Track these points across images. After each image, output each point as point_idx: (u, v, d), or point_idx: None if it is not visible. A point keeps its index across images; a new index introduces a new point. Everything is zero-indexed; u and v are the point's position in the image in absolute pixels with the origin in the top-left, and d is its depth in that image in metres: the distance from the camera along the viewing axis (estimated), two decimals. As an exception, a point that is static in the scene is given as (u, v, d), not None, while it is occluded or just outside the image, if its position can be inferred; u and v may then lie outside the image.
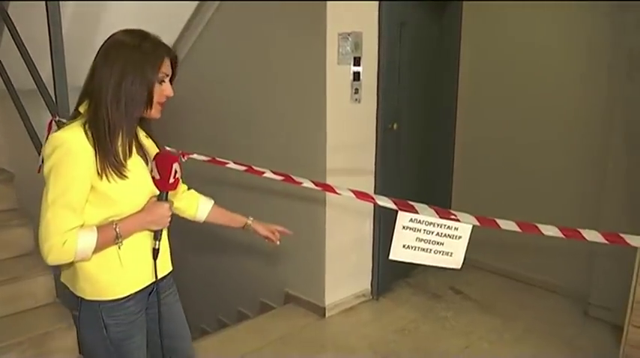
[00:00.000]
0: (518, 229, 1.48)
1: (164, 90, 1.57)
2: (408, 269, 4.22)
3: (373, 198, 1.67)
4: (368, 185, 3.63)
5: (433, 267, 1.55)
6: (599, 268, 3.50)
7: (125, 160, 1.53)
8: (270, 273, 3.95)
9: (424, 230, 1.49)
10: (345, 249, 3.66)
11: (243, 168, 1.97)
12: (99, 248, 1.50)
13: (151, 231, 1.63)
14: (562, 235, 1.44)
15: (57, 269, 2.96)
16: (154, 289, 1.73)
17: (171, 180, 1.59)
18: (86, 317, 1.62)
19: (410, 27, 3.76)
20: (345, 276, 3.71)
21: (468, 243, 1.50)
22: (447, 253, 1.51)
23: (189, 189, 1.97)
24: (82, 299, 1.60)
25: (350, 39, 3.30)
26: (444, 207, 1.54)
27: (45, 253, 1.45)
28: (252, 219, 2.01)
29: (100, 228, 1.50)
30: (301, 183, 1.82)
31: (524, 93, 3.97)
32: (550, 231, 1.45)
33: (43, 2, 2.67)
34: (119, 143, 1.52)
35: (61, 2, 2.71)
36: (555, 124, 3.81)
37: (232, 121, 4.07)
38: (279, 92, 3.64)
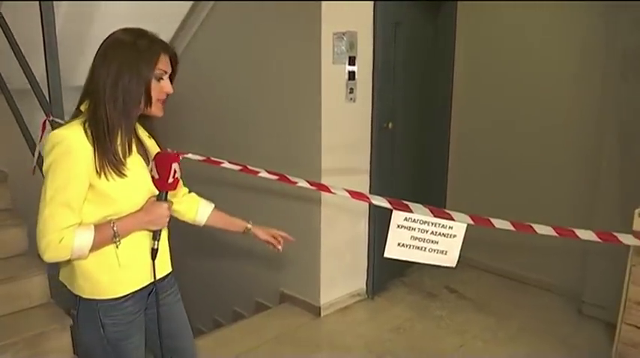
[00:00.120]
0: (512, 228, 1.49)
1: (163, 87, 1.56)
2: (403, 269, 4.23)
3: (368, 198, 1.67)
4: (363, 184, 3.64)
5: (428, 266, 1.55)
6: (593, 267, 3.52)
7: (124, 159, 1.53)
8: (265, 273, 3.95)
9: (419, 229, 1.50)
10: (340, 248, 3.66)
11: (238, 167, 1.97)
12: (96, 246, 1.50)
13: (150, 230, 1.62)
14: (556, 234, 1.45)
15: (51, 270, 2.97)
16: (154, 289, 1.72)
17: (170, 180, 1.58)
18: (84, 316, 1.62)
19: (405, 27, 3.77)
20: (340, 276, 3.72)
21: (463, 242, 1.51)
22: (441, 251, 1.51)
23: (190, 192, 1.97)
24: (80, 297, 1.60)
25: (345, 38, 3.30)
26: (438, 206, 1.54)
27: (42, 250, 1.45)
28: (252, 223, 2.00)
29: (98, 226, 1.50)
30: (296, 182, 1.82)
31: (519, 93, 3.98)
32: (544, 230, 1.46)
33: (37, 2, 2.66)
34: (118, 141, 1.52)
35: (54, 2, 2.70)
36: (550, 124, 3.83)
37: (227, 121, 4.07)
38: (274, 92, 3.64)
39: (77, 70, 3.95)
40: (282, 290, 3.85)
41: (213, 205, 1.98)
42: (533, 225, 1.47)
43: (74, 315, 1.65)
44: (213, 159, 1.96)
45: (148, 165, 1.62)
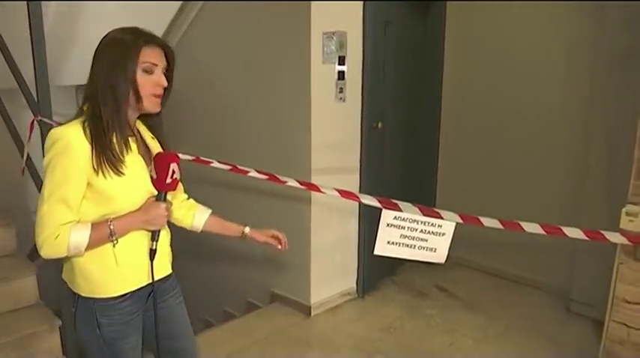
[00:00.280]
0: (500, 226, 1.50)
1: (155, 81, 1.56)
2: (394, 268, 4.24)
3: (358, 197, 1.68)
4: (353, 184, 3.65)
5: (418, 265, 1.56)
6: (581, 265, 3.55)
7: (122, 156, 1.53)
8: (255, 273, 3.95)
9: (408, 227, 1.51)
10: (331, 247, 3.67)
11: (228, 167, 1.97)
12: (92, 244, 1.51)
13: (148, 230, 1.62)
14: (544, 232, 1.47)
15: (40, 271, 2.95)
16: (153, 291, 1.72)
17: (168, 181, 1.57)
18: (81, 315, 1.63)
19: (394, 26, 3.78)
20: (330, 275, 3.72)
21: (453, 240, 1.52)
22: (430, 249, 1.53)
23: (188, 198, 1.96)
24: (79, 296, 1.61)
25: (334, 38, 3.31)
26: (428, 204, 1.56)
27: (39, 245, 1.48)
28: (249, 228, 1.99)
29: (95, 224, 1.51)
30: (286, 181, 1.83)
31: (508, 93, 4.00)
32: (532, 228, 1.47)
33: (25, 2, 2.65)
34: (115, 139, 1.52)
35: (42, 2, 2.69)
36: (538, 123, 3.85)
37: (217, 121, 4.06)
38: (263, 91, 3.64)
39: (65, 70, 3.94)
40: (272, 290, 3.85)
41: (210, 211, 1.98)
42: (521, 223, 1.48)
43: (73, 313, 1.66)
44: (202, 158, 1.96)
45: (149, 165, 1.62)
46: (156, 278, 1.68)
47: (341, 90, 3.45)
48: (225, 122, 3.98)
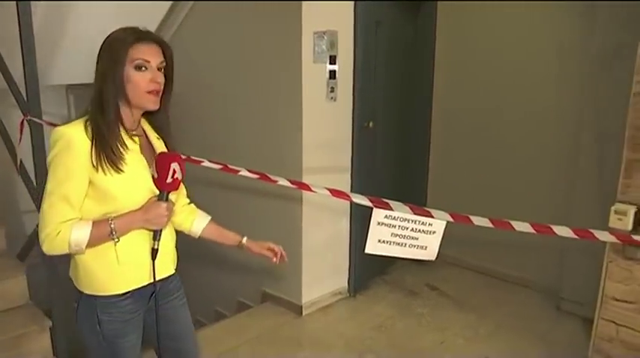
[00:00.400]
0: (490, 225, 1.51)
1: (148, 77, 1.55)
2: (385, 267, 4.25)
3: (348, 196, 1.68)
4: (344, 183, 3.65)
5: (409, 265, 1.57)
6: (571, 264, 3.57)
7: (122, 154, 1.54)
8: (246, 272, 3.94)
9: (399, 226, 1.51)
10: (322, 247, 3.67)
11: (219, 166, 1.96)
12: (93, 242, 1.52)
13: (149, 230, 1.62)
14: (533, 231, 1.47)
15: (30, 271, 2.93)
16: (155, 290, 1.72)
17: (169, 180, 1.56)
18: (83, 312, 1.65)
19: (385, 26, 3.79)
20: (321, 274, 3.72)
21: (443, 239, 1.53)
22: (421, 246, 1.53)
23: (190, 203, 1.97)
24: (82, 293, 1.63)
25: (325, 37, 3.31)
26: (419, 203, 1.56)
27: (41, 241, 1.51)
28: (246, 238, 2.00)
29: (96, 222, 1.52)
30: (277, 181, 1.82)
31: (499, 92, 4.02)
32: (522, 226, 1.48)
33: (14, 2, 2.63)
34: (114, 136, 1.53)
35: (32, 2, 2.67)
36: (529, 123, 3.87)
37: (208, 121, 4.05)
38: (254, 91, 3.63)
39: (55, 69, 3.92)
40: (263, 290, 3.84)
41: (209, 218, 1.99)
42: (511, 221, 1.48)
43: (75, 310, 1.67)
44: (193, 158, 1.96)
45: (152, 165, 1.62)
46: (158, 278, 1.68)
47: (332, 90, 3.45)
48: (217, 122, 3.98)
